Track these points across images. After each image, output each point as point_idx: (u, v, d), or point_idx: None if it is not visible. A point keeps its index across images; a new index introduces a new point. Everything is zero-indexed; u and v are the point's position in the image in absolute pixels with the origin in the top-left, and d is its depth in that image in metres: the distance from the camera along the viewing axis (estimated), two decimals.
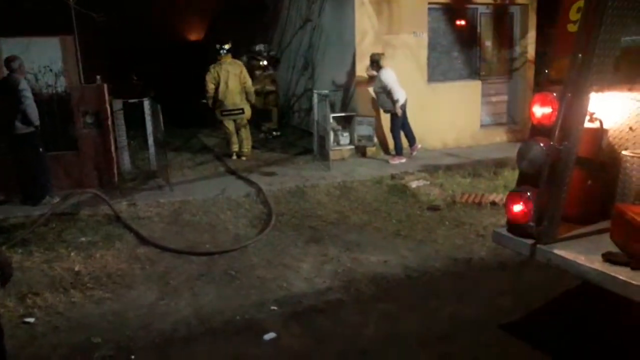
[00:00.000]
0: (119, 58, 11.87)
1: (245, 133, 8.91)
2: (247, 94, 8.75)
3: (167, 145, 7.57)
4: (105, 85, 7.32)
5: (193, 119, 12.24)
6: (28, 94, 6.28)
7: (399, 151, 8.48)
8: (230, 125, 8.79)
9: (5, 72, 6.42)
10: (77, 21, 7.64)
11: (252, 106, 9.03)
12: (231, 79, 8.54)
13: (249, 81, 8.79)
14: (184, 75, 15.30)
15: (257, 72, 10.54)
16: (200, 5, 15.11)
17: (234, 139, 8.87)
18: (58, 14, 7.88)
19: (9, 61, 6.34)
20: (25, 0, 8.77)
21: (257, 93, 10.52)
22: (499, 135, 9.96)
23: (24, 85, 6.28)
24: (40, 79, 7.47)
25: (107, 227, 5.82)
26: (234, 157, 8.88)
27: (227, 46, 8.65)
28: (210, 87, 8.55)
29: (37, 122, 6.33)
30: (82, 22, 7.79)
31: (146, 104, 7.92)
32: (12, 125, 6.26)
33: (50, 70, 7.68)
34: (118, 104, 7.69)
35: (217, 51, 8.66)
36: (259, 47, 10.72)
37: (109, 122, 7.22)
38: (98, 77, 7.37)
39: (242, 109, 8.74)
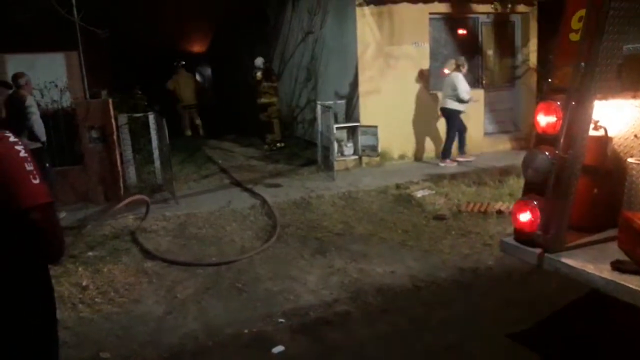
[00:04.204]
0: (124, 72, 11.97)
1: (198, 120, 13.24)
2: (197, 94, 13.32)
3: (172, 158, 7.61)
4: (110, 100, 7.37)
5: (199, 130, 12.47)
6: (34, 110, 6.32)
7: (447, 154, 8.74)
8: (187, 115, 13.08)
9: (13, 88, 6.47)
10: (81, 37, 7.71)
11: (258, 119, 10.80)
12: (187, 85, 12.98)
13: (198, 85, 13.81)
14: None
15: (260, 86, 10.61)
16: (203, 18, 15.25)
17: (187, 123, 13.10)
18: (62, 30, 7.96)
19: (16, 77, 6.40)
20: (30, 16, 8.87)
21: (261, 107, 10.69)
22: (503, 143, 9.96)
23: (30, 101, 6.32)
24: (45, 95, 7.53)
25: (113, 241, 5.84)
26: (188, 133, 12.99)
27: (182, 63, 13.14)
28: (170, 88, 12.91)
29: (43, 138, 6.37)
30: (86, 37, 7.86)
31: (151, 117, 7.98)
32: None
33: (56, 85, 7.74)
34: (123, 118, 7.75)
35: (175, 67, 13.01)
36: (257, 61, 10.79)
37: (115, 137, 7.27)
38: (104, 91, 7.43)
39: (196, 104, 13.16)
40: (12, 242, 2.09)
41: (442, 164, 8.72)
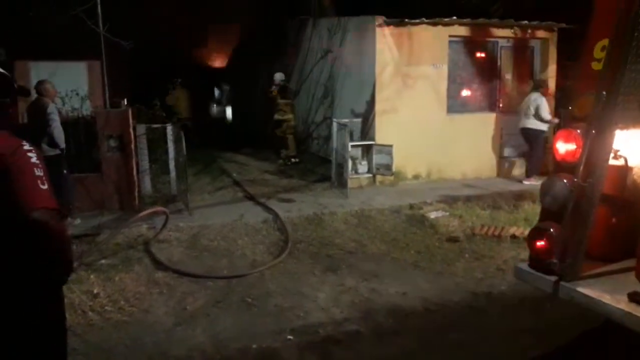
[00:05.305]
0: (144, 84, 12.17)
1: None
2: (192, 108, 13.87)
3: (187, 170, 7.66)
4: (130, 110, 7.47)
5: (216, 142, 12.55)
6: (55, 117, 6.43)
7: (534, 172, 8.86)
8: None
9: (35, 94, 6.60)
10: (104, 47, 7.86)
11: (273, 134, 10.94)
12: (184, 100, 13.44)
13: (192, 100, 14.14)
14: (208, 101, 15.64)
15: (277, 102, 10.69)
16: (224, 35, 15.50)
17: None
18: (86, 40, 8.12)
19: (39, 84, 6.53)
20: (56, 26, 9.08)
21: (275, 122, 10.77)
22: (519, 168, 9.87)
23: (52, 109, 6.43)
24: (66, 103, 7.66)
25: (127, 250, 5.88)
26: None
27: (179, 80, 13.31)
28: (169, 102, 12.34)
29: (62, 145, 6.46)
30: (109, 48, 8.01)
31: (169, 129, 8.06)
32: (38, 147, 6.37)
33: (77, 94, 7.87)
34: (142, 128, 7.84)
35: (173, 83, 13.20)
36: (276, 76, 10.88)
37: (132, 146, 7.35)
38: (124, 101, 7.53)
39: (191, 118, 13.52)
40: (19, 246, 2.14)
41: (526, 182, 8.80)
